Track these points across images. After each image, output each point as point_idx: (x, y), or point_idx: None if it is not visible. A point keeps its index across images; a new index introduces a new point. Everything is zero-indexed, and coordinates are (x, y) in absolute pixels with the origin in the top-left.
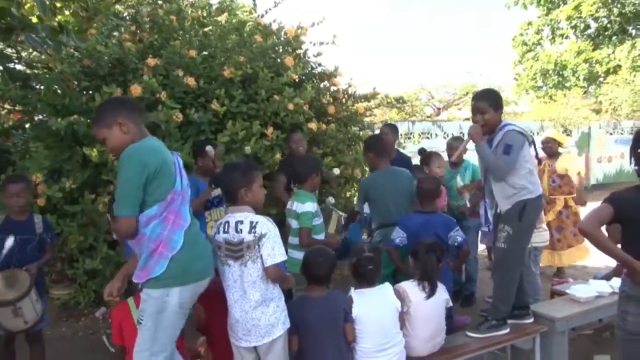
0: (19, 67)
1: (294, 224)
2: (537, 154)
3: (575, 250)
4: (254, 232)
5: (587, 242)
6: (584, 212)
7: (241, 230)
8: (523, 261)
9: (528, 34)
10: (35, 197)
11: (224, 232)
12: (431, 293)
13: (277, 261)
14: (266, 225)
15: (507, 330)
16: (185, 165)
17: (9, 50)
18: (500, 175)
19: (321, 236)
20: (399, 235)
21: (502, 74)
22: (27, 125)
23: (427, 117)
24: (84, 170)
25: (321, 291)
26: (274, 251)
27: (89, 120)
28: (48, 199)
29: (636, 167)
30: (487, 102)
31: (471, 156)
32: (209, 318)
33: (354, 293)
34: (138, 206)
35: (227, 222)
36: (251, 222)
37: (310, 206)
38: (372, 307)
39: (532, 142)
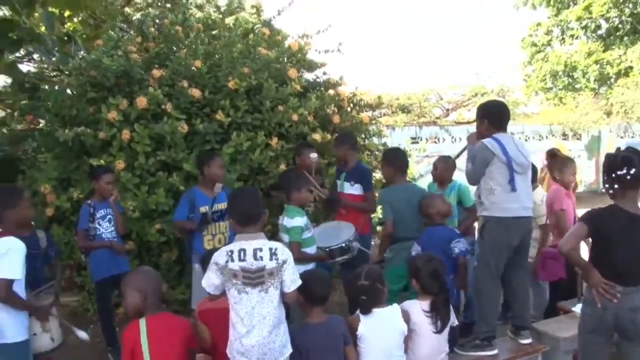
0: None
1: (285, 238)
2: (533, 176)
3: None
4: (276, 259)
5: None
6: None
7: (261, 257)
8: (493, 279)
9: (537, 34)
10: (44, 207)
11: (240, 260)
12: (442, 328)
13: (297, 285)
14: (286, 251)
15: (495, 352)
16: (190, 176)
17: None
18: (468, 181)
19: (312, 249)
20: (416, 250)
21: (511, 75)
22: (36, 133)
23: (436, 118)
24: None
25: (321, 317)
26: (294, 276)
27: (95, 131)
28: (56, 209)
29: (610, 191)
30: (476, 113)
31: (460, 176)
32: (214, 337)
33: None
34: None
35: (243, 249)
36: (270, 249)
37: (299, 221)
38: (379, 328)
39: (510, 163)
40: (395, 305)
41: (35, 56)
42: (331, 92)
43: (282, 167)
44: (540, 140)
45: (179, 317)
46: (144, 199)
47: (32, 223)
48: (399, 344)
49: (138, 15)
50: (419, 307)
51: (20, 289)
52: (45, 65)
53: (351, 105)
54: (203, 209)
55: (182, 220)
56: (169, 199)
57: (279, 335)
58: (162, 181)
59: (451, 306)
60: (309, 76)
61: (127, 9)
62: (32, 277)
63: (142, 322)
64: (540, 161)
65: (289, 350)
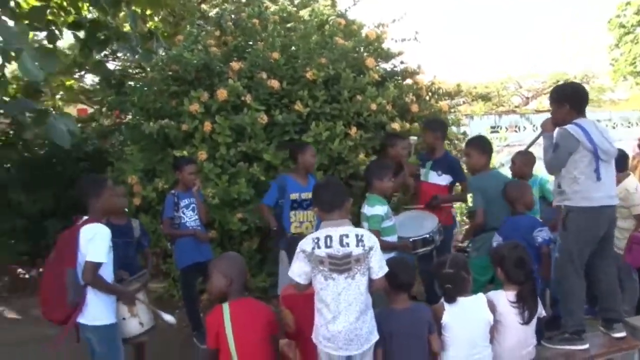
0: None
1: (365, 226)
2: (623, 164)
3: None
4: (363, 245)
5: None
6: None
7: (347, 244)
8: (576, 272)
9: (626, 15)
10: (132, 197)
11: (327, 246)
12: (529, 319)
13: (385, 272)
14: (372, 238)
15: (586, 346)
16: (270, 166)
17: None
18: (547, 170)
19: (392, 238)
20: (496, 240)
21: (596, 59)
22: (123, 127)
23: (515, 107)
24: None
25: (405, 303)
26: (382, 262)
27: (178, 124)
28: (143, 199)
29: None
30: (551, 97)
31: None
32: (298, 322)
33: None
34: None
35: (329, 236)
36: (357, 236)
37: (380, 209)
38: (464, 317)
39: (595, 151)
40: (480, 294)
41: (120, 54)
42: (409, 81)
43: (362, 156)
44: (629, 127)
45: (262, 303)
46: (226, 189)
47: (126, 211)
48: (484, 334)
49: (214, 11)
50: (504, 298)
51: (106, 274)
52: (129, 63)
53: (429, 93)
54: (294, 196)
55: (269, 207)
56: (250, 188)
57: (365, 322)
58: (243, 171)
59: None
60: (386, 65)
61: (203, 6)
62: (125, 265)
63: (226, 307)
64: (630, 149)
65: (375, 337)
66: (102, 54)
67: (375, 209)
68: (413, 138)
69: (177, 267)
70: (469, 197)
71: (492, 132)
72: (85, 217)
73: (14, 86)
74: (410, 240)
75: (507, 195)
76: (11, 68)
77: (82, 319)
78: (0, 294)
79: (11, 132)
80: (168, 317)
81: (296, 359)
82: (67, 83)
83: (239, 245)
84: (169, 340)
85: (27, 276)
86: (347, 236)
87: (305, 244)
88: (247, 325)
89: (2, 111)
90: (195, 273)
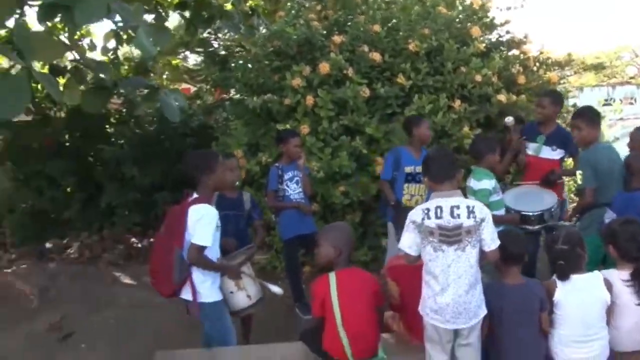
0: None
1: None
2: None
3: None
4: (474, 217)
5: None
6: None
7: (458, 215)
8: None
9: None
10: None
11: (437, 217)
12: None
13: (497, 244)
14: (484, 209)
15: None
16: (372, 140)
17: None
18: None
19: (500, 212)
20: (609, 217)
21: None
22: (226, 103)
23: (630, 78)
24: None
25: (518, 278)
26: (494, 235)
27: (281, 98)
28: (247, 172)
29: None
30: None
31: None
32: (403, 294)
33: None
34: None
35: (439, 207)
36: (468, 207)
37: (487, 183)
38: (578, 295)
39: None
40: (596, 272)
41: (222, 33)
42: (515, 51)
43: (466, 129)
44: None
45: (368, 273)
46: (328, 162)
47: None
48: (600, 314)
49: None
50: (617, 277)
51: (212, 253)
52: (229, 42)
53: (537, 64)
54: (409, 169)
55: (388, 181)
56: (352, 162)
57: (474, 296)
58: (345, 145)
59: None
60: (491, 36)
61: None
62: (236, 238)
63: (332, 276)
64: None
65: (483, 311)
66: (206, 32)
67: (482, 182)
68: (509, 119)
69: (281, 239)
70: (578, 173)
71: (604, 104)
72: (195, 195)
73: (126, 67)
74: (532, 215)
75: (629, 167)
76: (123, 51)
77: (187, 296)
78: (117, 261)
79: (124, 110)
80: (275, 289)
81: (400, 331)
82: (173, 62)
83: (341, 218)
84: (272, 311)
85: (139, 245)
86: (458, 207)
87: (415, 215)
88: (353, 295)
89: (119, 91)
90: (298, 245)
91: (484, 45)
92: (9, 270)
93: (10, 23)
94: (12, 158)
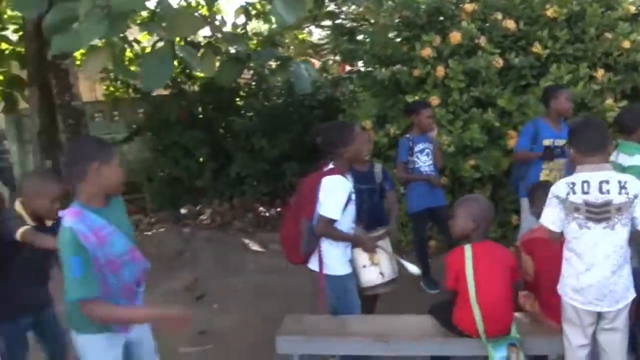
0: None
1: None
2: None
3: None
4: (626, 193)
5: None
6: None
7: (608, 191)
8: None
9: None
10: None
11: (583, 192)
12: None
13: None
14: (637, 185)
15: None
16: (505, 112)
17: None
18: None
19: None
20: None
21: None
22: (354, 76)
23: None
24: (406, 117)
25: None
26: None
27: (410, 69)
28: (374, 144)
29: None
30: None
31: None
32: (537, 269)
33: None
34: None
35: (586, 181)
36: (619, 182)
37: (639, 159)
38: None
39: None
40: None
41: (349, 4)
42: None
43: (609, 101)
44: None
45: (504, 247)
46: (458, 135)
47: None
48: None
49: None
50: None
51: (345, 225)
52: (356, 14)
53: None
54: (547, 142)
55: (524, 150)
56: (483, 135)
57: (622, 277)
58: (476, 117)
59: None
60: None
61: None
62: (372, 212)
63: (468, 248)
64: None
65: (632, 294)
66: (333, 5)
67: (635, 158)
68: None
69: (408, 211)
70: None
71: None
72: (331, 166)
73: (254, 42)
74: None
75: None
76: (251, 26)
77: (314, 267)
78: (246, 228)
79: (253, 83)
80: (413, 268)
81: (534, 311)
82: (300, 36)
83: (469, 193)
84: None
85: (267, 214)
86: (607, 182)
87: (559, 189)
88: (489, 269)
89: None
90: (426, 218)
91: (633, 8)
92: (149, 233)
93: (151, 4)
94: (151, 130)
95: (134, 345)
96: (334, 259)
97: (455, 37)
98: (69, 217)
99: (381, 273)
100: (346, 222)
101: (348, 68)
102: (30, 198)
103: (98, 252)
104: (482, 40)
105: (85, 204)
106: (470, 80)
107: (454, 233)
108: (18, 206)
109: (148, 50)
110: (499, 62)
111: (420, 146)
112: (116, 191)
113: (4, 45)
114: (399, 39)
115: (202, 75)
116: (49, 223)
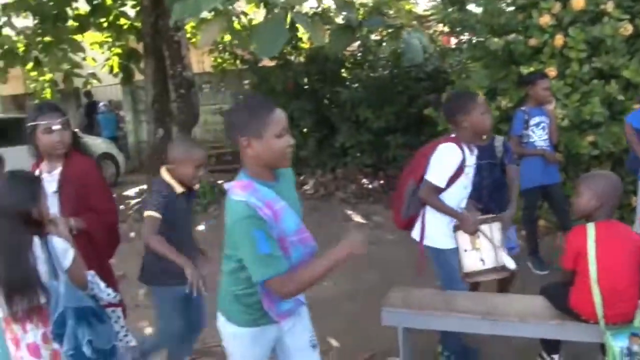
0: None
1: None
2: None
3: None
4: None
5: None
6: None
7: None
8: None
9: None
10: None
11: None
12: None
13: None
14: None
15: None
16: (630, 84)
17: None
18: None
19: None
20: None
21: None
22: (463, 46)
23: None
24: (520, 89)
25: None
26: None
27: (525, 38)
28: None
29: None
30: None
31: None
32: None
33: None
34: None
35: None
36: None
37: None
38: None
39: None
40: None
41: None
42: None
43: None
44: None
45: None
46: (576, 109)
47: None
48: None
49: None
50: None
51: (452, 199)
52: None
53: None
54: None
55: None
56: (604, 109)
57: None
58: (597, 90)
59: None
60: None
61: None
62: (494, 189)
63: (591, 227)
64: None
65: None
66: None
67: None
68: None
69: (520, 187)
70: None
71: None
72: (452, 135)
73: (361, 12)
74: None
75: None
76: None
77: (416, 236)
78: (349, 199)
79: (359, 55)
80: (510, 262)
81: None
82: (407, 7)
83: (585, 170)
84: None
85: (370, 186)
86: None
87: None
88: (614, 250)
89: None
90: (538, 196)
91: None
92: None
93: None
94: None
95: (286, 335)
96: (435, 230)
97: (578, 3)
98: (238, 190)
99: (482, 259)
100: (454, 196)
101: (454, 40)
102: (177, 165)
103: (273, 229)
104: (609, 6)
105: (253, 176)
106: (592, 49)
107: (575, 211)
108: (164, 173)
109: (255, 22)
110: (627, 28)
111: (536, 119)
112: (285, 165)
113: (122, 21)
114: (512, 7)
115: (307, 46)
116: (195, 188)
